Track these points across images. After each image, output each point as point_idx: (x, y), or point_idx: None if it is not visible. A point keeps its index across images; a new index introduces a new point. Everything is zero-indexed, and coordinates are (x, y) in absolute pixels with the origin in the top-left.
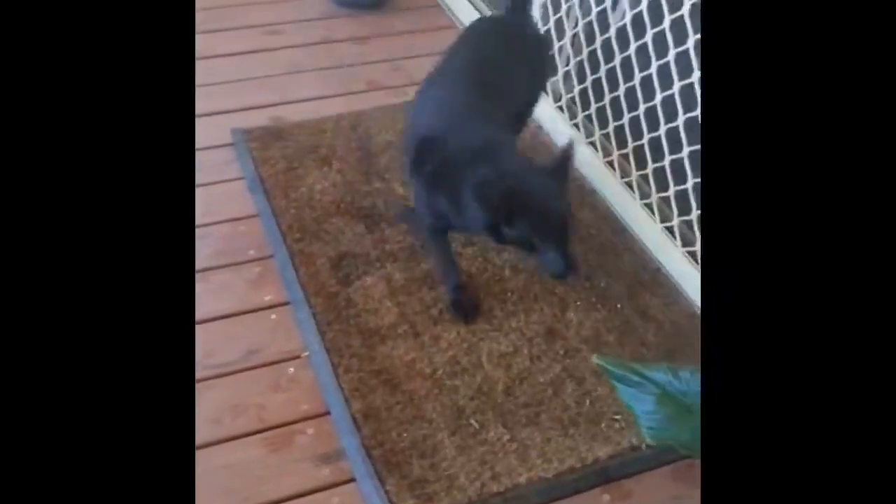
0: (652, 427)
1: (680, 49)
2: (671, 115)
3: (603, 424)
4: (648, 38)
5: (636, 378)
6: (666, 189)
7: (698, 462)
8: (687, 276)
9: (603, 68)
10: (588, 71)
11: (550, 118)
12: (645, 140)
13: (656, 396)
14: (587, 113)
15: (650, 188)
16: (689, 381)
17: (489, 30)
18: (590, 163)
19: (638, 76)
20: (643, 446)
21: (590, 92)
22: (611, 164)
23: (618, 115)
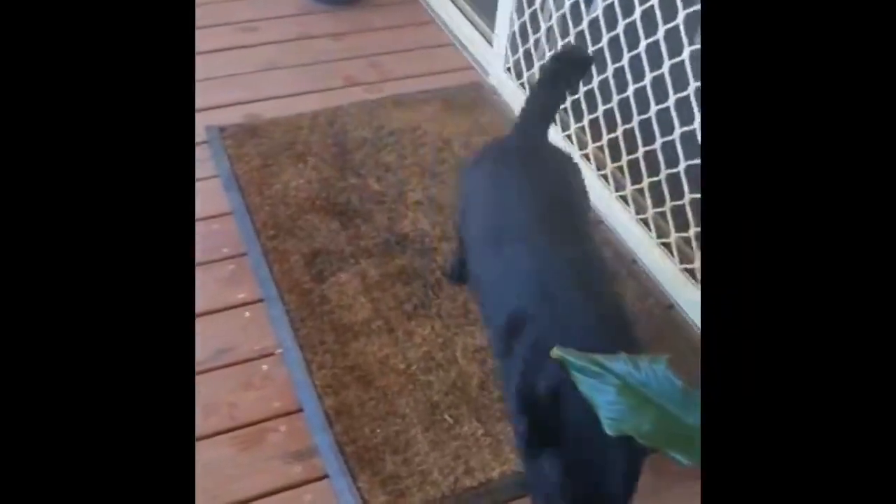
0: (612, 418)
1: (650, 40)
2: (643, 107)
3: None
4: (620, 29)
5: (596, 369)
6: (640, 181)
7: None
8: (662, 269)
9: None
10: None
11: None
12: (619, 132)
13: (616, 387)
14: (563, 106)
15: (625, 179)
16: (648, 371)
17: (528, 161)
18: None
19: (611, 68)
20: None
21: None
22: (586, 155)
23: (592, 108)
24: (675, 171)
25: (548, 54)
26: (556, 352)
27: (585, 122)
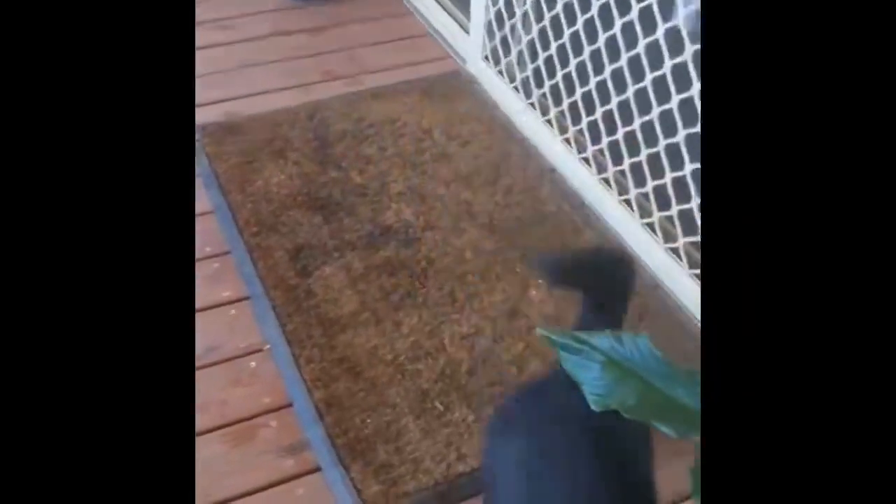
0: (597, 394)
1: (625, 20)
2: (621, 88)
3: None
4: (595, 10)
5: (579, 346)
6: (621, 162)
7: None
8: (648, 249)
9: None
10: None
11: (501, 91)
12: (598, 114)
13: (600, 363)
14: (542, 91)
15: (607, 162)
16: (631, 346)
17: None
18: (548, 142)
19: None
20: None
21: (543, 71)
22: (567, 140)
23: (570, 91)
24: (654, 150)
25: (524, 40)
26: (540, 330)
27: (565, 105)
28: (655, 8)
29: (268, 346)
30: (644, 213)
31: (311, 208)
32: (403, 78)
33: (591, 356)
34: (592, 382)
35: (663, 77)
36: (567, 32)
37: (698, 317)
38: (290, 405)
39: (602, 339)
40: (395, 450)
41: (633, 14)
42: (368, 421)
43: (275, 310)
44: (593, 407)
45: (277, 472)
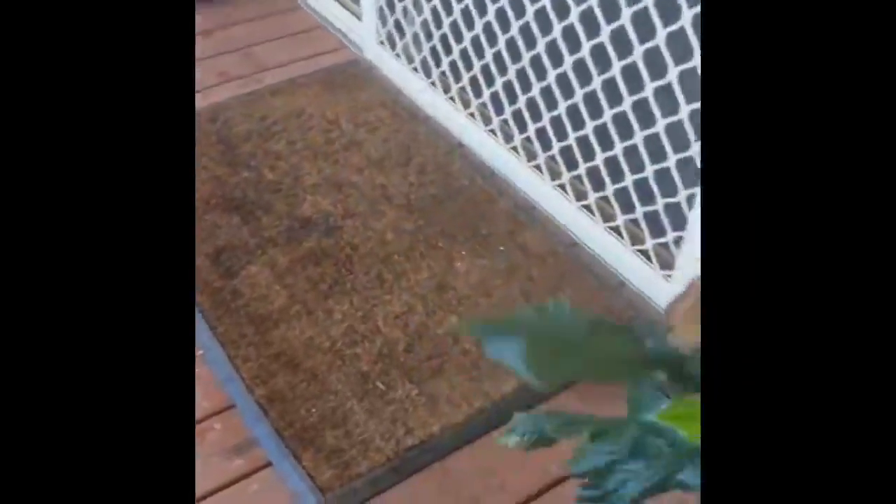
0: (532, 370)
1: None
2: (516, 57)
3: None
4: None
5: (500, 328)
6: (525, 129)
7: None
8: (561, 209)
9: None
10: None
11: (400, 74)
12: (498, 86)
13: (527, 339)
14: (441, 69)
15: (513, 131)
16: (554, 314)
17: None
18: (453, 118)
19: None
20: None
21: (439, 49)
22: (472, 114)
23: (468, 66)
24: (556, 113)
25: (417, 21)
26: (463, 324)
27: (465, 80)
28: None
29: (201, 352)
30: (554, 175)
31: (227, 210)
32: (301, 72)
33: (516, 335)
34: (523, 360)
35: (554, 42)
36: (457, 8)
37: (618, 270)
38: (232, 406)
39: (523, 315)
40: (344, 434)
41: None
42: (313, 410)
43: (203, 315)
44: (535, 385)
45: (228, 472)
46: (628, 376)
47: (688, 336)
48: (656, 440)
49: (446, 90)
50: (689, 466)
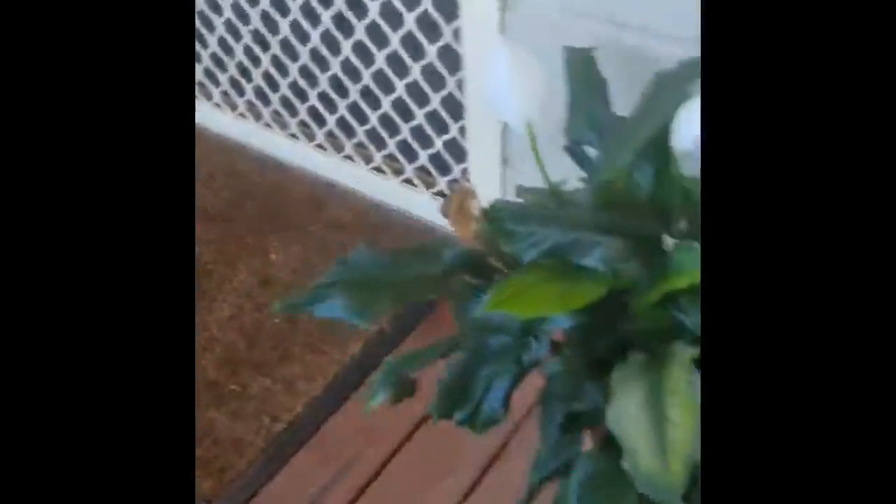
0: (356, 315)
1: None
2: (293, 56)
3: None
4: None
5: (315, 293)
6: (297, 114)
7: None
8: (355, 177)
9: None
10: None
11: None
12: (258, 78)
13: (340, 294)
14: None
15: (287, 120)
16: (354, 259)
17: None
18: (218, 119)
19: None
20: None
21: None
22: (241, 115)
23: (228, 50)
24: (320, 90)
25: None
26: (276, 309)
27: (225, 82)
28: None
29: None
30: (338, 148)
31: None
32: None
33: (331, 297)
34: (346, 314)
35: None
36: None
37: (423, 216)
38: None
39: (330, 273)
40: (213, 442)
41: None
42: None
43: None
44: (362, 325)
45: None
46: (438, 288)
47: (462, 233)
48: (496, 336)
49: (208, 98)
50: (534, 344)
